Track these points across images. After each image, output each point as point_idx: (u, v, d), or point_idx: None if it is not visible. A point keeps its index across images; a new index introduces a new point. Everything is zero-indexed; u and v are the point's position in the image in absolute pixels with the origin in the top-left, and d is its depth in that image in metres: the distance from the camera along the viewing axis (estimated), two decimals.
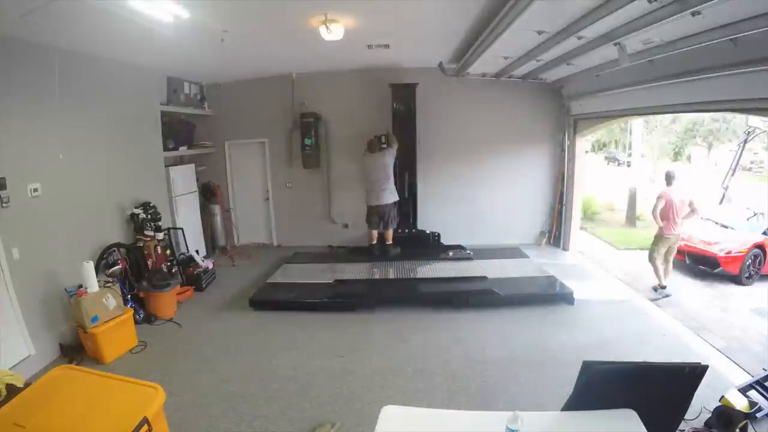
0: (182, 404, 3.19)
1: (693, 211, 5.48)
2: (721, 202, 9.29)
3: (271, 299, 5.09)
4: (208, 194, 7.32)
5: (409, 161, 6.75)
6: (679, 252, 6.55)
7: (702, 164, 17.85)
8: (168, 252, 5.54)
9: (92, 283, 3.89)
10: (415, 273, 5.86)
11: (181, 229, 6.08)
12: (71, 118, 4.28)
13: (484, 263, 6.04)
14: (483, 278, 5.42)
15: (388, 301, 5.02)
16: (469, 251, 6.70)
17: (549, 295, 4.99)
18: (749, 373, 3.44)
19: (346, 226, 7.47)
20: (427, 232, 6.86)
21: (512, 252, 6.65)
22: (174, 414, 3.00)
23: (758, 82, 3.37)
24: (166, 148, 6.12)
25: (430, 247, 6.80)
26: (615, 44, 3.83)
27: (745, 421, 2.59)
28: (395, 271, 5.88)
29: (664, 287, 5.58)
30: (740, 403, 2.64)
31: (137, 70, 5.34)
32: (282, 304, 5.03)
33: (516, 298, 4.92)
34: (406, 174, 6.77)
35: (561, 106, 7.08)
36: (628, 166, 15.09)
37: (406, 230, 6.86)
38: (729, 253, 6.24)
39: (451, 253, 6.54)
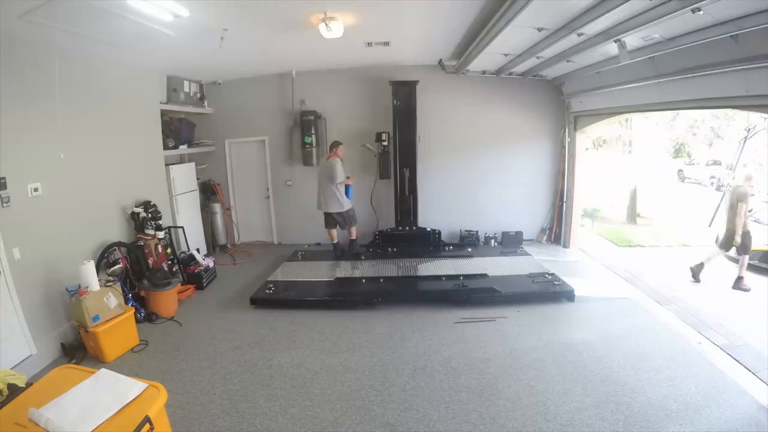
0: (184, 403, 3.20)
1: None
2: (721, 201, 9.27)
3: (272, 297, 5.10)
4: (208, 193, 7.33)
5: (410, 159, 6.76)
6: None
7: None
8: (169, 251, 5.55)
9: (93, 283, 3.89)
10: (416, 271, 5.87)
11: (182, 227, 6.08)
12: (71, 117, 4.28)
13: (485, 261, 6.05)
14: (484, 276, 5.42)
15: (389, 299, 5.02)
16: (469, 249, 6.72)
17: (550, 293, 4.99)
18: (751, 371, 3.45)
19: None
20: (428, 229, 6.88)
21: (513, 249, 6.67)
22: (176, 413, 3.01)
23: (759, 79, 3.36)
24: (166, 147, 6.13)
25: (431, 244, 6.81)
26: (615, 41, 3.83)
27: None
28: (396, 269, 5.89)
29: None
30: None
31: (137, 70, 5.33)
32: (283, 302, 5.05)
33: (517, 296, 4.92)
34: (406, 171, 6.78)
35: (561, 102, 7.07)
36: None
37: (407, 228, 6.87)
38: None
39: (450, 248, 6.61)
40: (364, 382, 3.47)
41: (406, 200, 6.87)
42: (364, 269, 5.93)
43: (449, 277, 5.44)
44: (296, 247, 7.12)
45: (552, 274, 5.35)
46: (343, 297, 5.09)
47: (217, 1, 3.58)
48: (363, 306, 4.89)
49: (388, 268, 5.91)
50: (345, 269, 5.95)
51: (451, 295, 4.99)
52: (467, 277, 5.40)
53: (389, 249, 6.66)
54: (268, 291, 5.20)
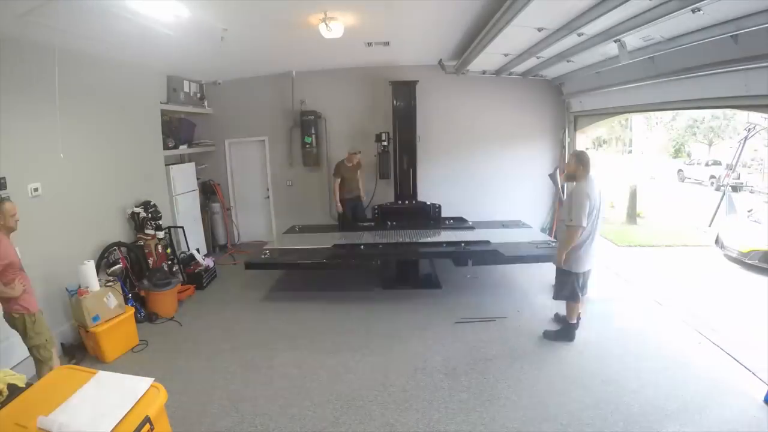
0: (184, 403, 3.20)
1: None
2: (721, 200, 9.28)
3: (268, 262, 5.08)
4: (208, 192, 7.33)
5: (410, 159, 6.75)
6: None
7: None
8: (168, 251, 5.55)
9: (93, 283, 3.89)
10: (417, 238, 5.86)
11: (182, 227, 6.08)
12: (71, 117, 4.28)
13: (487, 231, 5.97)
14: (486, 242, 5.36)
15: (388, 268, 5.00)
16: (470, 222, 6.60)
17: (551, 255, 4.97)
18: (751, 371, 3.45)
19: None
20: (428, 203, 6.80)
21: (515, 221, 6.63)
22: (176, 413, 3.00)
23: (759, 79, 3.36)
24: (166, 147, 6.13)
25: (432, 219, 6.70)
26: (615, 41, 3.83)
27: None
28: (397, 237, 5.87)
29: None
30: None
31: (137, 69, 5.33)
32: (279, 265, 5.05)
33: (520, 259, 4.94)
34: (408, 171, 6.76)
35: (561, 102, 7.07)
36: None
37: (406, 202, 6.81)
38: None
39: (451, 222, 6.59)
40: (364, 382, 3.47)
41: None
42: (364, 238, 5.89)
43: (450, 244, 5.42)
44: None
45: (555, 241, 5.34)
46: (341, 259, 5.06)
47: (217, 1, 3.58)
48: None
49: (389, 236, 5.90)
50: (344, 238, 5.92)
51: (452, 254, 4.93)
52: (469, 243, 5.37)
53: (388, 222, 6.56)
54: (263, 256, 5.17)
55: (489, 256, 4.93)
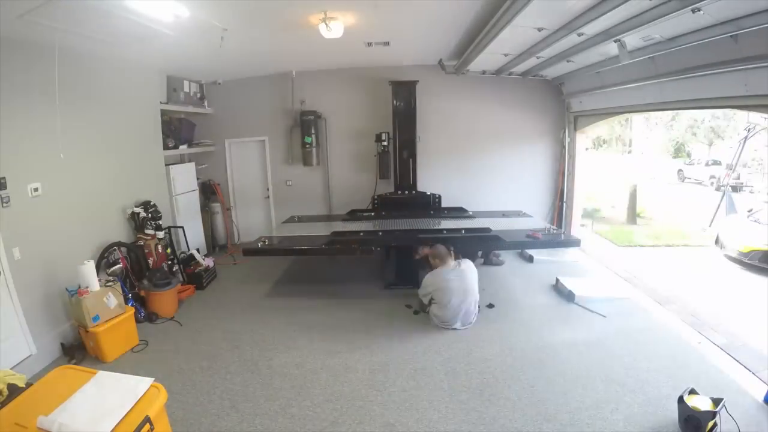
0: (184, 403, 3.21)
1: None
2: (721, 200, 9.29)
3: (266, 248, 5.09)
4: (208, 192, 7.34)
5: (410, 153, 6.74)
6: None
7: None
8: (168, 251, 5.55)
9: (93, 283, 3.88)
10: (417, 226, 5.85)
11: (182, 227, 6.07)
12: (71, 117, 4.27)
13: (487, 220, 5.95)
14: (487, 229, 5.33)
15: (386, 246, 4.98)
16: (470, 212, 6.55)
17: (556, 242, 5.00)
18: (751, 371, 3.45)
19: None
20: (428, 193, 6.81)
21: (515, 211, 6.59)
22: (175, 413, 3.01)
23: (759, 79, 3.36)
24: (166, 147, 6.13)
25: (432, 209, 6.71)
26: (615, 41, 3.83)
27: (714, 420, 2.62)
28: (397, 225, 5.88)
29: None
30: (705, 404, 2.69)
31: (137, 69, 5.33)
32: (277, 252, 5.08)
33: (522, 244, 4.97)
34: (409, 161, 6.77)
35: (561, 102, 7.07)
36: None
37: (406, 192, 6.82)
38: None
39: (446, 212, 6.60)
40: (364, 382, 3.47)
41: None
42: (363, 226, 5.89)
43: (451, 231, 5.40)
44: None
45: (557, 229, 5.35)
46: (340, 246, 5.05)
47: (217, 1, 3.58)
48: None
49: (389, 224, 5.91)
50: (343, 226, 5.92)
51: (451, 241, 4.92)
52: (470, 230, 5.35)
53: (383, 212, 6.57)
54: (261, 244, 5.18)
55: (491, 242, 4.91)
